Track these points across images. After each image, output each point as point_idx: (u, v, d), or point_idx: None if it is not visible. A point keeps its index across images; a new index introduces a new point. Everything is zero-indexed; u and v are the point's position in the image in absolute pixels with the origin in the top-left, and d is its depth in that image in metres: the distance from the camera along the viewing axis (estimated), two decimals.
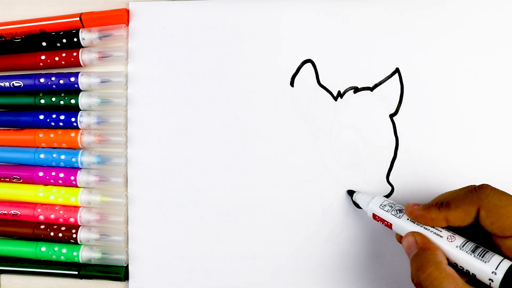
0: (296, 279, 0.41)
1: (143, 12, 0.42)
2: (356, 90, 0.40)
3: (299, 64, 0.40)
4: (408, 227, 0.33)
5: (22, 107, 0.42)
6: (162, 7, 0.42)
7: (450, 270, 0.30)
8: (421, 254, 0.31)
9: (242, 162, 0.41)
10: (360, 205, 0.38)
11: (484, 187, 0.31)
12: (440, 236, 0.32)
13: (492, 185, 0.31)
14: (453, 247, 0.31)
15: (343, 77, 0.40)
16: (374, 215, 0.36)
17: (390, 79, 0.40)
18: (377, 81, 0.40)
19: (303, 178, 0.41)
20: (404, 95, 0.40)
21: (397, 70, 0.40)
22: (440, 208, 0.32)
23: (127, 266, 0.42)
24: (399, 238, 0.35)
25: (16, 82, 0.42)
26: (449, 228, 0.32)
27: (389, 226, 0.35)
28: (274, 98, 0.41)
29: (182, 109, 0.41)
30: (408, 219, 0.34)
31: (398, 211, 0.35)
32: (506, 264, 0.29)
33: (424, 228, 0.32)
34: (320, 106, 0.40)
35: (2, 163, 0.43)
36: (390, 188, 0.40)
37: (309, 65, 0.40)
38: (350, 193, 0.40)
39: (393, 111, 0.40)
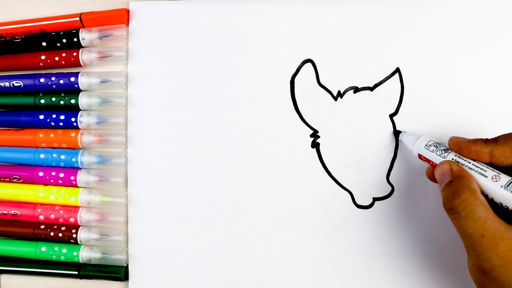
0: (296, 279, 0.41)
1: (143, 12, 0.42)
2: (356, 90, 0.40)
3: (299, 64, 0.40)
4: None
5: (22, 107, 0.42)
6: (162, 7, 0.42)
7: (484, 199, 0.30)
8: (457, 181, 0.31)
9: (242, 162, 0.41)
10: (406, 144, 0.38)
11: None
12: (485, 176, 0.31)
13: None
14: (497, 186, 0.31)
15: (343, 77, 0.40)
16: (419, 155, 0.36)
17: (390, 79, 0.40)
18: (377, 81, 0.40)
19: (303, 178, 0.41)
20: (404, 95, 0.40)
21: (397, 70, 0.40)
22: (487, 142, 0.32)
23: (127, 266, 0.42)
24: (430, 174, 0.36)
25: (16, 82, 0.42)
26: (491, 166, 0.32)
27: (435, 166, 0.35)
28: (274, 98, 0.41)
29: (182, 109, 0.41)
30: (453, 159, 0.33)
31: (443, 151, 0.34)
32: None
33: (469, 168, 0.32)
34: (320, 106, 0.40)
35: (2, 163, 0.43)
36: (390, 188, 0.40)
37: (309, 65, 0.40)
38: (396, 133, 0.40)
39: (393, 111, 0.40)
